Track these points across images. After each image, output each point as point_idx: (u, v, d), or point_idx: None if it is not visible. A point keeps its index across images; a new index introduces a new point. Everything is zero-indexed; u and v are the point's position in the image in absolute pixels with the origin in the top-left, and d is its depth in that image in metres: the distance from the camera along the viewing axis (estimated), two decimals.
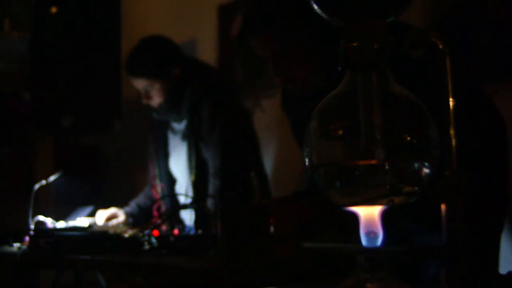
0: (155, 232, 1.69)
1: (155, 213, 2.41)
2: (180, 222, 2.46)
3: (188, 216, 2.50)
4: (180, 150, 2.57)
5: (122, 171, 3.82)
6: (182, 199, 2.58)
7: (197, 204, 2.31)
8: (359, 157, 0.66)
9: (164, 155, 2.63)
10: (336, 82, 0.71)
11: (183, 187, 2.56)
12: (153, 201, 2.57)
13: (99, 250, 1.62)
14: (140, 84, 2.50)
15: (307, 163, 0.70)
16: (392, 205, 0.66)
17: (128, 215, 2.57)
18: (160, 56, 2.49)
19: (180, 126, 2.57)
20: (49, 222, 2.20)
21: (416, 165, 0.66)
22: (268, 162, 2.87)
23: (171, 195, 2.59)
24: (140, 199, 2.69)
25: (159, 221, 2.08)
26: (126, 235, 1.86)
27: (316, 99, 0.71)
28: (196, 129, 2.48)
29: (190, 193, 2.50)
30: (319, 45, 1.54)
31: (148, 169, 2.70)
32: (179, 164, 2.58)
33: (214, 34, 3.36)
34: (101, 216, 2.46)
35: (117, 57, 3.23)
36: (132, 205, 2.65)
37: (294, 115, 1.83)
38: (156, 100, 2.50)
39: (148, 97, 2.50)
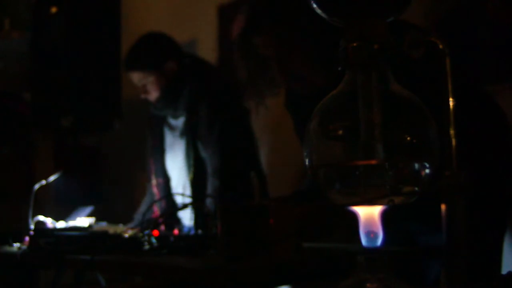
0: (155, 232, 1.69)
1: (155, 213, 2.41)
2: (178, 222, 2.46)
3: (185, 216, 2.50)
4: (177, 147, 2.57)
5: (122, 171, 3.83)
6: (180, 199, 2.58)
7: (196, 203, 2.31)
8: (359, 157, 0.66)
9: (160, 151, 2.63)
10: (339, 81, 0.71)
11: (180, 186, 2.56)
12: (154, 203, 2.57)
13: (99, 250, 1.62)
14: (135, 77, 2.51)
15: (307, 163, 0.69)
16: (392, 205, 0.66)
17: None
18: (153, 49, 2.50)
19: (177, 122, 2.57)
20: (49, 222, 2.20)
21: (416, 165, 0.66)
22: (265, 161, 2.87)
23: (170, 194, 2.59)
24: (143, 207, 2.66)
25: (159, 220, 2.07)
26: (126, 235, 1.86)
27: (319, 97, 0.71)
28: (194, 127, 2.48)
29: (188, 191, 2.50)
30: (321, 44, 1.54)
31: (148, 164, 2.69)
32: (175, 162, 2.58)
33: (214, 34, 3.36)
34: None
35: (117, 57, 3.24)
36: (138, 218, 2.62)
37: (298, 114, 1.83)
38: (153, 94, 2.50)
39: (145, 91, 2.51)
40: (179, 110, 2.51)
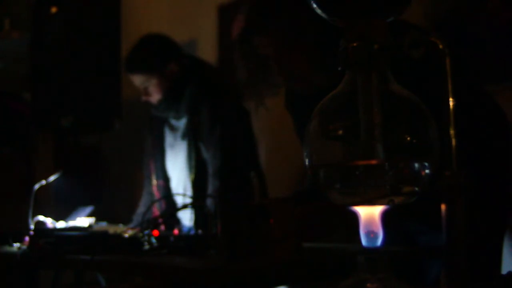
0: (155, 232, 1.69)
1: (155, 213, 2.40)
2: (177, 222, 2.46)
3: (185, 216, 2.50)
4: (178, 148, 2.57)
5: (122, 171, 3.83)
6: (180, 199, 2.58)
7: (197, 204, 2.31)
8: (359, 157, 0.66)
9: (161, 152, 2.63)
10: (339, 81, 0.71)
11: (181, 186, 2.56)
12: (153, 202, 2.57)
13: (99, 250, 1.62)
14: (137, 80, 2.51)
15: (307, 163, 0.69)
16: (392, 205, 0.66)
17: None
18: (155, 51, 2.50)
19: (178, 123, 2.57)
20: (49, 222, 2.20)
21: (416, 165, 0.66)
22: (265, 161, 2.87)
23: (170, 195, 2.59)
24: (141, 209, 2.67)
25: (159, 220, 2.07)
26: (126, 235, 1.86)
27: (319, 98, 0.71)
28: (196, 128, 2.48)
29: (189, 192, 2.50)
30: (321, 44, 1.54)
31: (147, 164, 2.69)
32: (176, 163, 2.58)
33: (214, 34, 3.36)
34: None
35: (117, 57, 3.24)
36: (137, 219, 2.62)
37: (298, 114, 1.83)
38: (155, 96, 2.50)
39: (147, 93, 2.51)
40: (181, 112, 2.51)
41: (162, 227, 2.00)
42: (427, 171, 0.66)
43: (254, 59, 1.67)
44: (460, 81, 0.73)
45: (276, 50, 1.63)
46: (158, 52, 2.50)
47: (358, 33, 0.67)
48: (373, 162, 0.65)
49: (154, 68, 2.47)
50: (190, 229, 2.27)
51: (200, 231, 1.97)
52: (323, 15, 0.69)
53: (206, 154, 2.46)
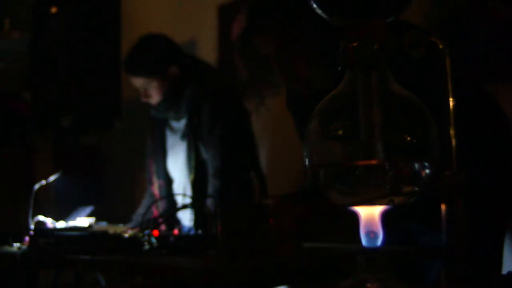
0: (155, 232, 1.69)
1: (155, 213, 2.40)
2: (177, 222, 2.46)
3: (185, 216, 2.50)
4: (178, 149, 2.57)
5: (122, 171, 3.82)
6: (180, 199, 2.58)
7: (196, 204, 2.31)
8: (359, 157, 0.66)
9: (162, 153, 2.63)
10: (339, 81, 0.71)
11: (181, 187, 2.56)
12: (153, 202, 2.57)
13: (99, 250, 1.62)
14: (137, 82, 2.50)
15: (307, 163, 0.69)
16: (392, 205, 0.66)
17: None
18: (156, 54, 2.50)
19: (178, 124, 2.57)
20: (49, 222, 2.20)
21: (416, 165, 0.66)
22: (265, 161, 2.87)
23: (170, 195, 2.59)
24: (141, 209, 2.66)
25: (159, 220, 2.07)
26: (126, 235, 1.86)
27: (319, 98, 0.71)
28: (195, 129, 2.48)
29: (188, 192, 2.50)
30: (321, 44, 1.54)
31: (147, 166, 2.69)
32: (176, 163, 2.58)
33: (214, 34, 3.36)
34: None
35: (117, 57, 3.24)
36: (137, 219, 2.62)
37: (298, 114, 1.83)
38: (154, 98, 2.50)
39: (147, 95, 2.51)
40: (181, 112, 2.51)
41: (162, 227, 2.00)
42: (427, 171, 0.66)
43: (255, 59, 1.67)
44: (460, 81, 0.73)
45: (277, 50, 1.63)
46: (158, 55, 2.49)
47: (358, 33, 0.67)
48: (373, 162, 0.65)
49: (155, 72, 2.46)
50: (190, 229, 2.27)
51: (200, 231, 1.97)
52: (323, 15, 0.69)
53: (206, 154, 2.46)
